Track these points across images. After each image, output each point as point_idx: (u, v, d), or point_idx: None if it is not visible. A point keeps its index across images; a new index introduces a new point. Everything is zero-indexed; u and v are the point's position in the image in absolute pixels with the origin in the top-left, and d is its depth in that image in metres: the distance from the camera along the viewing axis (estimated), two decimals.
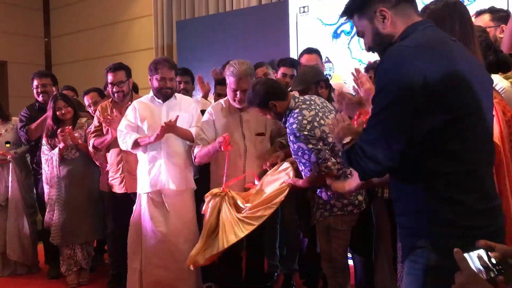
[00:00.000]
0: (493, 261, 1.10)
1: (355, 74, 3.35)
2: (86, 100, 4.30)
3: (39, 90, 4.46)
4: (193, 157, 3.33)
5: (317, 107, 2.82)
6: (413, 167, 1.48)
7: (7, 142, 4.46)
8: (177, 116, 3.33)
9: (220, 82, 4.01)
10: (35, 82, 4.48)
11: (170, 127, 3.30)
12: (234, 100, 3.25)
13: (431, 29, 1.55)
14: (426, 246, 1.45)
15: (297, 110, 2.76)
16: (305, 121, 2.69)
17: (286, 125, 2.79)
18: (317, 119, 2.73)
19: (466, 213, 1.43)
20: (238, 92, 3.19)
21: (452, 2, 1.88)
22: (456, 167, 1.43)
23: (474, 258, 1.11)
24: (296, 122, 2.69)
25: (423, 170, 1.46)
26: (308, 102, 2.82)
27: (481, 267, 1.10)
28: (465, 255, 1.11)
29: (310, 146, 2.66)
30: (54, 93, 4.31)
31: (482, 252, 1.11)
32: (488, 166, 1.54)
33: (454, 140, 1.43)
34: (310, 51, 3.91)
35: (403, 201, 1.56)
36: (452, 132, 1.42)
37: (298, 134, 2.66)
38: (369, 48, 1.68)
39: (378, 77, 1.50)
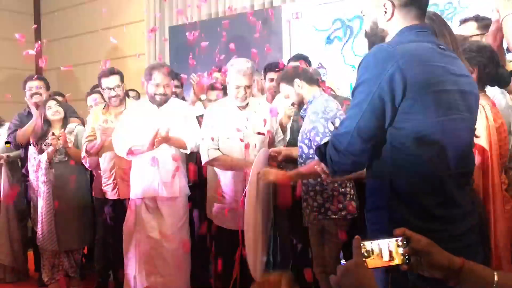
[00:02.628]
0: (401, 251, 1.15)
1: None
2: (92, 100, 4.24)
3: (32, 92, 4.39)
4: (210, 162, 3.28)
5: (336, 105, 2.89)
6: (380, 164, 1.50)
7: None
8: (169, 129, 3.31)
9: (210, 87, 4.02)
10: (28, 84, 4.42)
11: (164, 139, 3.30)
12: (237, 98, 3.27)
13: (422, 34, 1.56)
14: None
15: (324, 98, 2.84)
16: (329, 109, 2.75)
17: (307, 108, 2.84)
18: (338, 114, 2.78)
19: (423, 215, 1.44)
20: (240, 89, 3.23)
21: (433, 13, 1.89)
22: (419, 170, 1.45)
23: (379, 246, 1.16)
24: (322, 106, 2.77)
25: (388, 169, 1.48)
26: (331, 98, 2.90)
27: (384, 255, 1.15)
28: (369, 242, 1.15)
29: (326, 130, 2.68)
30: (45, 97, 4.28)
31: (392, 241, 1.16)
32: (458, 174, 1.51)
33: (420, 143, 1.44)
34: (296, 58, 3.87)
35: (371, 197, 1.59)
36: (420, 135, 1.44)
37: (321, 115, 2.71)
38: (365, 34, 1.68)
39: (359, 71, 1.51)
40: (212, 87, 3.99)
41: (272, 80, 3.87)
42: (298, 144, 2.86)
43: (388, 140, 1.47)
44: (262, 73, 4.06)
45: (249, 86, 3.25)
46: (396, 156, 1.47)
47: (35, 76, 4.65)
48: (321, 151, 1.61)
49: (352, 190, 2.84)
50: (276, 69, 3.88)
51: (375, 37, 1.61)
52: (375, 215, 1.56)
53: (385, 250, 1.15)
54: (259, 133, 3.29)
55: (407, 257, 1.15)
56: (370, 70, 1.47)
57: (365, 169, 1.62)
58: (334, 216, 2.80)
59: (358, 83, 1.51)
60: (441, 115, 1.45)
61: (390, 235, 1.43)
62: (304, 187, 2.91)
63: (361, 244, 1.15)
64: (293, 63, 3.58)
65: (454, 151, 1.47)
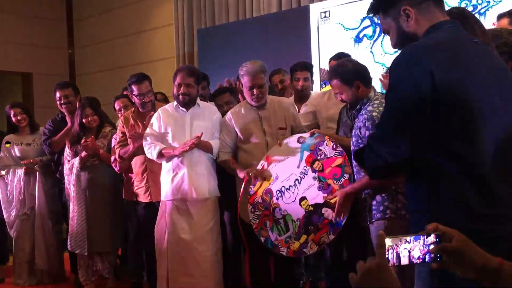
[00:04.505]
0: (431, 248, 1.10)
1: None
2: (117, 105, 4.31)
3: (62, 102, 4.45)
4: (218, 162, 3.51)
5: None
6: (417, 165, 1.47)
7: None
8: (202, 133, 3.37)
9: (215, 93, 4.04)
10: (58, 94, 4.47)
11: (196, 145, 3.35)
12: (252, 99, 3.36)
13: (452, 30, 1.52)
14: None
15: (377, 102, 2.71)
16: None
17: (360, 113, 2.73)
18: None
19: (467, 215, 1.39)
20: (254, 90, 3.32)
21: (462, 9, 1.84)
22: (459, 169, 1.40)
23: (408, 242, 1.09)
24: (377, 111, 2.64)
25: (426, 170, 1.45)
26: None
27: (408, 252, 1.09)
28: (396, 238, 1.09)
29: None
30: (83, 101, 4.33)
31: (423, 237, 1.10)
32: (504, 171, 1.45)
33: (459, 142, 1.40)
34: (338, 57, 3.70)
35: (410, 199, 1.56)
36: (457, 134, 1.40)
37: (371, 122, 2.59)
38: (395, 46, 1.66)
39: (390, 75, 1.51)
40: (219, 92, 4.01)
41: (298, 79, 3.85)
42: (352, 147, 2.78)
43: (422, 141, 1.43)
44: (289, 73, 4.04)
45: (261, 86, 3.33)
46: (434, 155, 1.43)
47: (63, 83, 4.66)
48: (359, 156, 1.60)
49: None
50: (303, 69, 3.86)
51: (406, 43, 1.57)
52: (416, 218, 1.52)
53: (414, 247, 1.10)
54: (280, 128, 3.34)
55: (438, 255, 1.10)
56: (400, 73, 1.45)
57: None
58: (393, 215, 2.67)
59: (389, 87, 1.50)
60: (480, 110, 1.41)
61: None
62: None
63: (388, 240, 1.08)
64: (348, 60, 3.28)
65: (496, 146, 1.42)
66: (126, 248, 4.53)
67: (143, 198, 3.82)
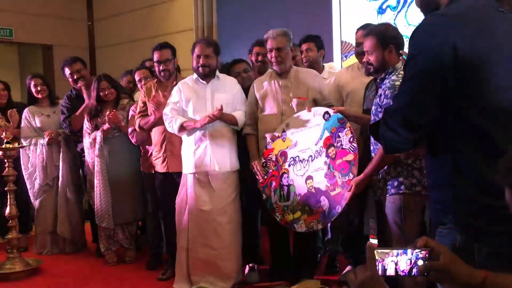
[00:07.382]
0: (420, 263, 1.13)
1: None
2: (137, 76, 4.29)
3: (75, 77, 4.46)
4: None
5: None
6: (440, 141, 1.43)
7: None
8: (221, 106, 3.34)
9: (233, 62, 4.03)
10: (68, 71, 4.47)
11: (218, 117, 3.34)
12: (271, 62, 3.42)
13: None
14: (451, 227, 1.40)
15: (403, 72, 2.65)
16: None
17: (384, 81, 2.69)
18: None
19: (492, 191, 1.33)
20: (273, 52, 3.36)
21: None
22: (484, 144, 1.36)
23: (396, 256, 1.13)
24: (400, 81, 2.50)
25: (449, 145, 1.41)
26: None
27: (400, 266, 1.13)
28: (385, 250, 1.13)
29: None
30: (98, 74, 4.34)
31: (411, 252, 1.14)
32: None
33: (482, 117, 1.35)
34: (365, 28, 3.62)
35: (432, 174, 1.51)
36: (480, 109, 1.35)
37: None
38: (419, 7, 1.59)
39: (411, 45, 1.44)
40: (237, 61, 3.99)
41: (302, 52, 3.90)
42: (372, 117, 2.72)
43: (449, 114, 1.38)
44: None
45: (279, 49, 3.35)
46: (459, 130, 1.38)
47: (70, 59, 4.58)
48: (374, 130, 1.54)
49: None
50: (305, 41, 3.89)
51: (427, 7, 1.51)
52: (438, 194, 1.48)
53: (401, 261, 1.13)
54: (299, 98, 3.32)
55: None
56: (422, 43, 1.39)
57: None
58: (407, 191, 2.63)
59: (409, 57, 1.44)
60: (504, 87, 1.36)
61: (454, 214, 1.38)
62: None
63: (375, 252, 1.12)
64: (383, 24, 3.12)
65: None
66: (145, 219, 4.59)
67: (160, 168, 3.82)
